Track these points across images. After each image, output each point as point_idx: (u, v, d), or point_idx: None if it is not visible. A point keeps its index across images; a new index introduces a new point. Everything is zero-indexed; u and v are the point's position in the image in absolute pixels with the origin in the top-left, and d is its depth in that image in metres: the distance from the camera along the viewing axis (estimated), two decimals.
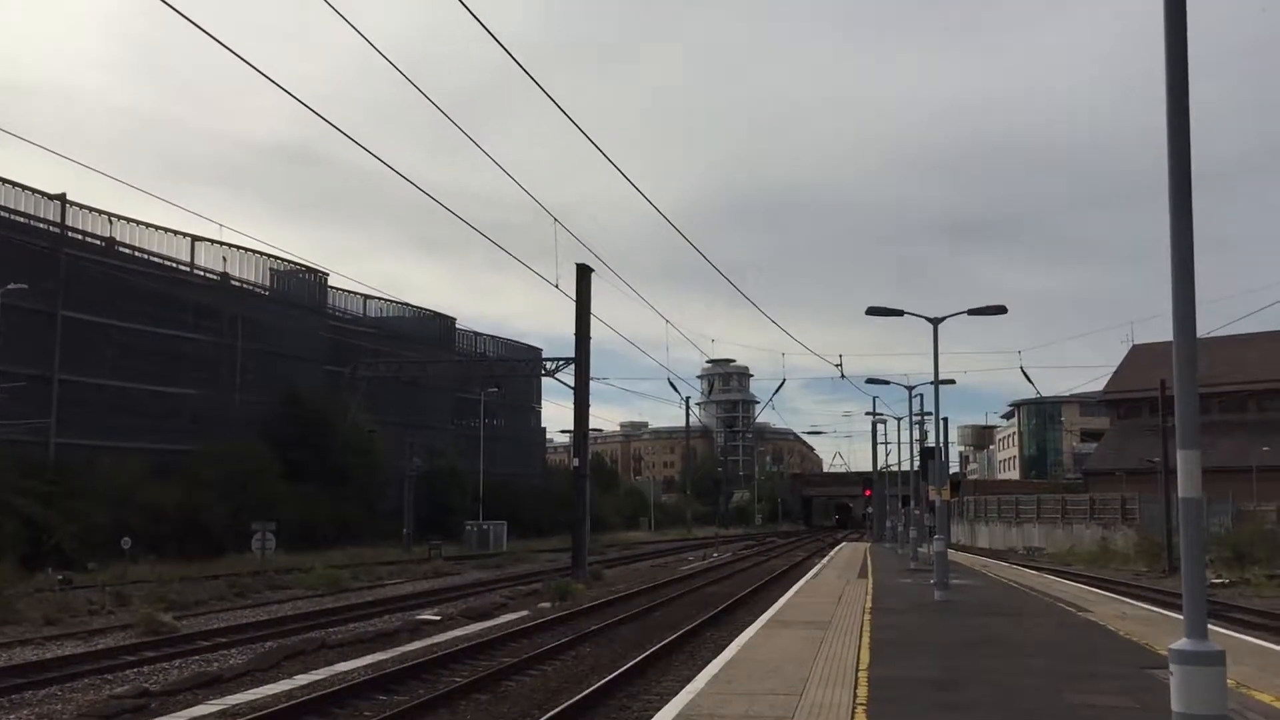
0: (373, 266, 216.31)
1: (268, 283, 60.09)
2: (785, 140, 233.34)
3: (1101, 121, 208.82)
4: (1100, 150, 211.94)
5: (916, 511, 43.05)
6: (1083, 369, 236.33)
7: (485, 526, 59.52)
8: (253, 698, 13.72)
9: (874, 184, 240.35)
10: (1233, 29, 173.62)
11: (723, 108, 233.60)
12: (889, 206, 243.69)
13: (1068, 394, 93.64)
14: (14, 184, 45.58)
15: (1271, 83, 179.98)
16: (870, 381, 45.25)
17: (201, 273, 55.14)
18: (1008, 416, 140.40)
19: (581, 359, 40.26)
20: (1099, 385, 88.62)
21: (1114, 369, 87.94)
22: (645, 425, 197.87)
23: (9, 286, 37.43)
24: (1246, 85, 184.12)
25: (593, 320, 39.39)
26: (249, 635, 20.35)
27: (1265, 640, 17.12)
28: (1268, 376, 69.38)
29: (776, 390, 79.66)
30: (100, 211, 49.55)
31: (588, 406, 40.30)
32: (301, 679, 15.24)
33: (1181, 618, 6.27)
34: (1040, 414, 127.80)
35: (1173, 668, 6.06)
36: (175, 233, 53.24)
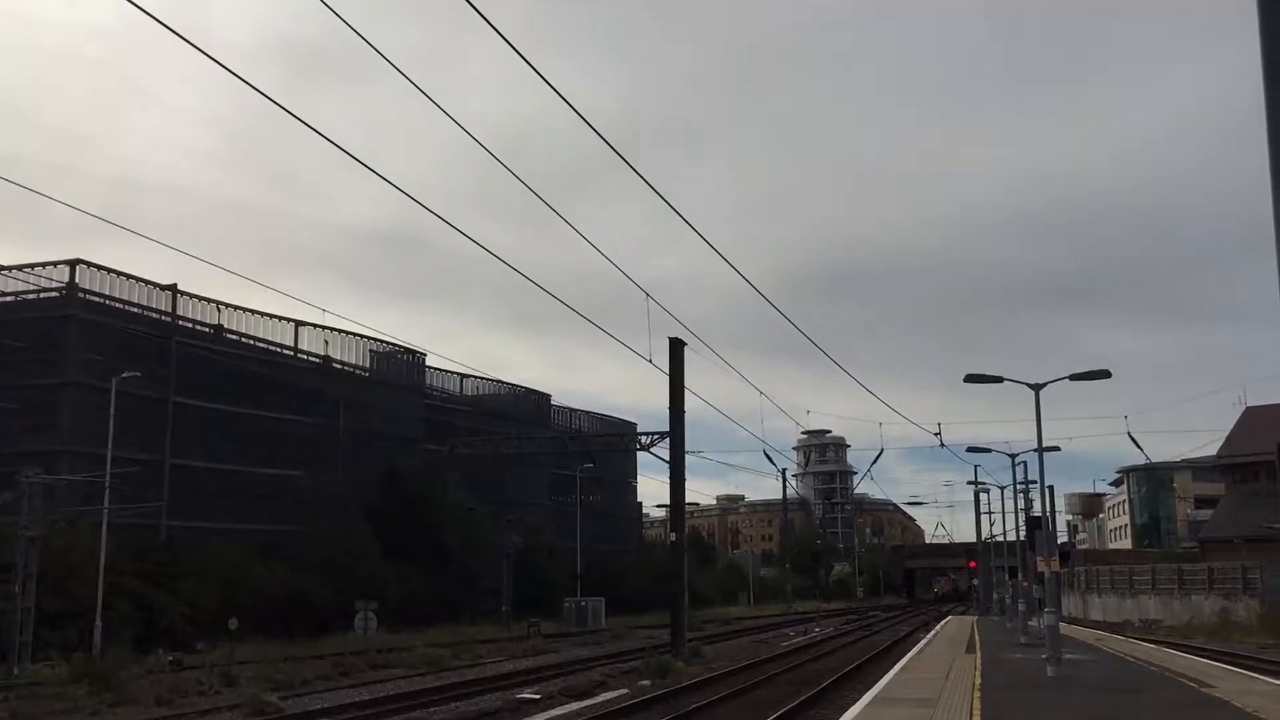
0: (469, 346, 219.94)
1: (368, 364, 61.43)
2: (876, 208, 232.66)
3: (1203, 181, 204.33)
4: (1201, 210, 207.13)
5: (1024, 583, 41.80)
6: (1193, 433, 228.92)
7: (583, 603, 59.26)
8: None
9: (968, 249, 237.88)
10: None
11: (812, 177, 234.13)
12: (986, 272, 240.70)
13: (1179, 459, 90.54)
14: (129, 276, 47.66)
15: None
16: (971, 450, 44.47)
17: (305, 356, 56.66)
18: (1116, 484, 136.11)
19: (676, 433, 40.22)
20: (1211, 449, 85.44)
21: (1227, 433, 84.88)
22: (742, 498, 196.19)
23: (124, 374, 38.84)
24: None
25: (686, 393, 39.42)
26: (352, 715, 20.49)
27: None
28: None
29: (874, 460, 78.45)
30: (209, 300, 51.47)
31: (683, 480, 40.15)
32: None
33: None
34: (1151, 480, 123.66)
35: None
36: (279, 318, 54.95)
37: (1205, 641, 42.03)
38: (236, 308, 52.76)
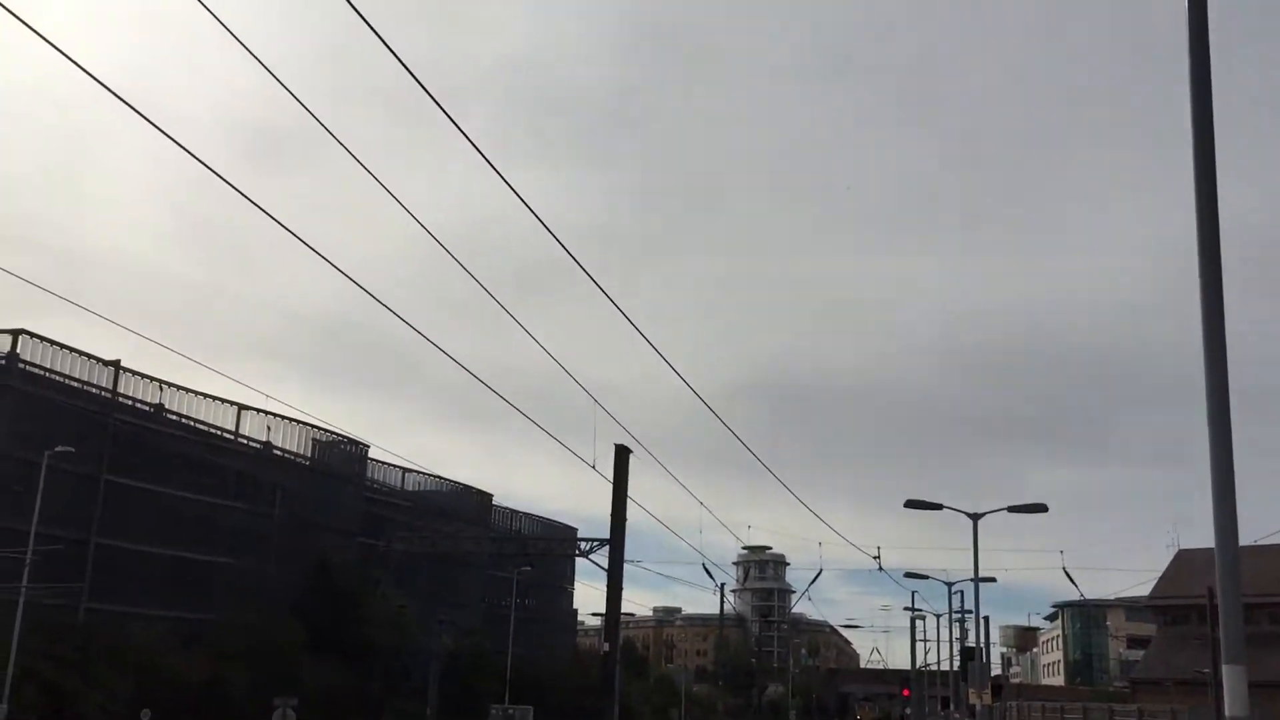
0: (412, 440, 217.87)
1: (309, 453, 60.67)
2: (826, 332, 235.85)
3: (1145, 325, 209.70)
4: (1142, 353, 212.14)
5: (956, 715, 41.59)
6: (1127, 572, 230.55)
7: (510, 711, 57.90)
8: None
9: (913, 379, 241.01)
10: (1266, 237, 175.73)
11: (765, 298, 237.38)
12: (928, 401, 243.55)
13: (1113, 597, 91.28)
14: (71, 349, 46.95)
15: None
16: (909, 576, 44.60)
17: (245, 441, 55.87)
18: (1051, 618, 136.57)
19: (617, 541, 40.00)
20: (1144, 589, 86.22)
21: (1160, 573, 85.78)
22: (678, 611, 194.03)
23: (56, 449, 38.06)
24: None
25: (629, 501, 39.30)
26: None
27: None
28: None
29: (813, 580, 78.28)
30: (151, 378, 50.76)
31: (620, 590, 39.82)
32: None
33: None
34: (1085, 617, 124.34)
35: None
36: (222, 400, 54.25)
37: None
38: (179, 388, 52.12)
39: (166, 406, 51.56)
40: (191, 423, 52.84)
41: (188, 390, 52.49)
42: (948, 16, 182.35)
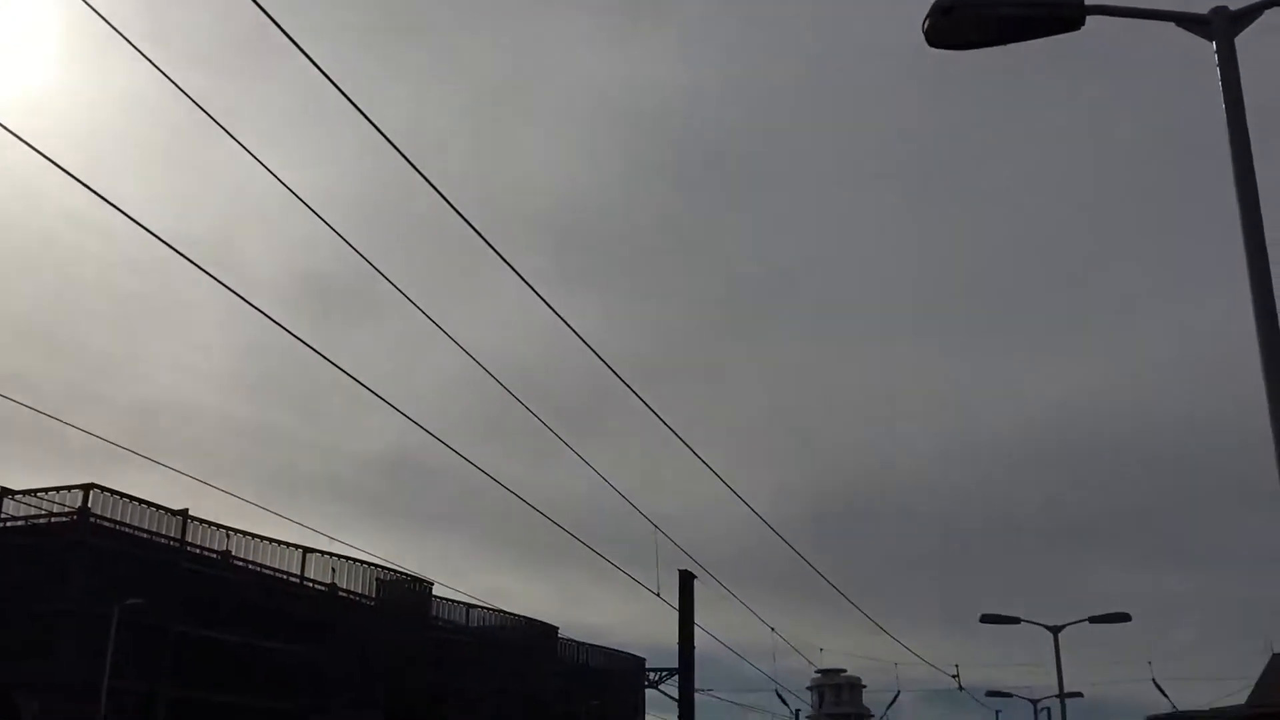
0: (476, 578, 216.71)
1: (373, 593, 60.58)
2: (887, 441, 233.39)
3: (1219, 421, 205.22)
4: (1219, 451, 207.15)
5: None
6: (1219, 681, 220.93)
7: None
8: None
9: (981, 485, 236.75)
10: None
11: (823, 410, 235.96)
12: (999, 508, 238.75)
13: (1207, 708, 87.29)
14: (141, 500, 47.73)
15: None
16: (991, 694, 43.19)
17: (311, 584, 56.00)
18: None
19: (686, 669, 39.25)
20: (1240, 698, 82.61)
21: (1254, 680, 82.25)
22: None
23: (128, 601, 38.43)
24: None
25: (696, 628, 38.67)
26: None
27: None
28: None
29: (891, 702, 75.75)
30: (218, 525, 51.33)
31: (693, 718, 38.88)
32: None
33: None
34: None
35: None
36: (287, 544, 54.58)
37: None
38: (245, 533, 52.60)
39: (233, 553, 52.00)
40: (259, 568, 53.16)
41: (253, 535, 52.99)
42: (1002, 116, 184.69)
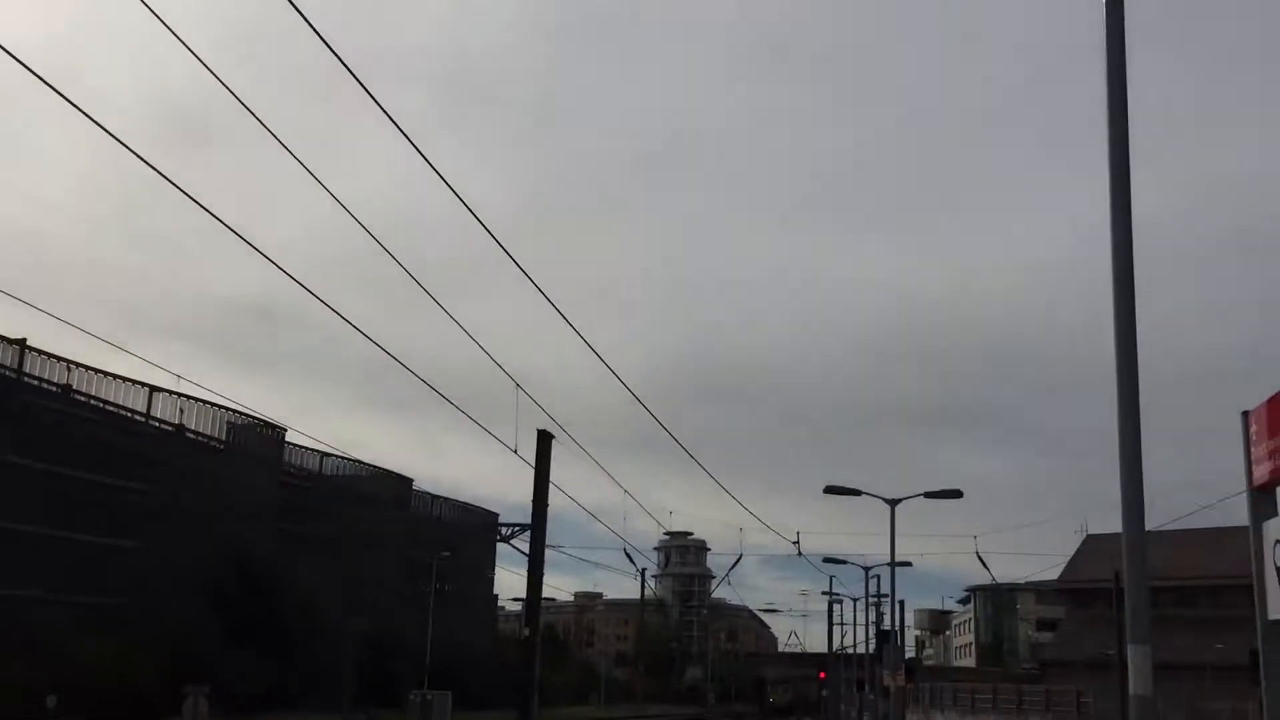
0: (331, 424, 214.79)
1: (224, 436, 59.53)
2: (746, 319, 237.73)
3: (1058, 313, 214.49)
4: (1058, 340, 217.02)
5: (871, 697, 42.27)
6: (1038, 556, 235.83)
7: (429, 696, 57.57)
8: None
9: (833, 366, 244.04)
10: (1182, 232, 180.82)
11: (688, 282, 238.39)
12: (848, 388, 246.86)
13: (1023, 581, 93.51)
14: None
15: (1219, 289, 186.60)
16: (827, 561, 45.18)
17: (157, 423, 54.61)
18: (964, 602, 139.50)
19: (538, 526, 39.81)
20: (1055, 573, 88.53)
21: (1069, 557, 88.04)
22: (600, 596, 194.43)
23: None
24: (1199, 289, 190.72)
25: (551, 487, 39.15)
26: None
27: None
28: (1221, 572, 69.55)
29: (733, 565, 78.99)
30: (59, 358, 49.37)
31: (541, 575, 39.64)
32: None
33: None
34: (996, 601, 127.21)
35: None
36: (133, 382, 52.98)
37: None
38: (88, 368, 50.78)
39: (75, 387, 50.21)
40: (101, 404, 51.52)
41: (97, 371, 51.22)
42: (872, 11, 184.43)
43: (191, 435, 56.60)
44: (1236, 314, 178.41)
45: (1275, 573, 5.60)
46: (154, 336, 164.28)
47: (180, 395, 54.76)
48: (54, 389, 49.11)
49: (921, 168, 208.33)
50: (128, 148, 14.17)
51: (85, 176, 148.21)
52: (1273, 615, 5.66)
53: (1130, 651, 6.44)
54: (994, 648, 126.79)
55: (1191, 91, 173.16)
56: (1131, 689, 6.43)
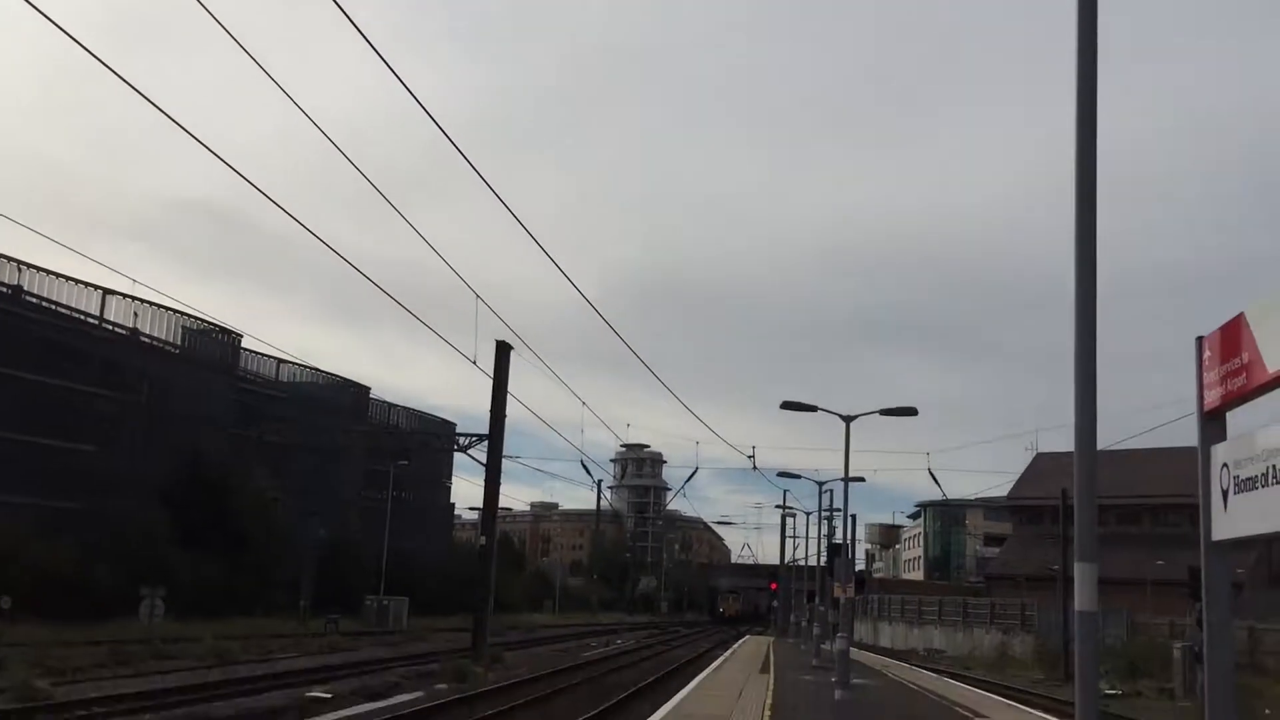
0: (288, 331, 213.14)
1: (179, 341, 58.89)
2: (708, 231, 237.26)
3: (1016, 234, 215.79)
4: (1014, 261, 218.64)
5: (821, 608, 43.13)
6: (989, 474, 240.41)
7: (385, 602, 58.16)
8: None
9: (792, 281, 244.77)
10: (1141, 157, 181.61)
11: (649, 195, 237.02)
12: (806, 304, 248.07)
13: (973, 497, 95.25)
14: None
15: (1176, 208, 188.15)
16: (782, 475, 45.65)
17: (111, 327, 53.87)
18: (914, 517, 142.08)
19: (495, 436, 39.95)
20: (1004, 491, 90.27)
21: (1019, 475, 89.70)
22: (556, 506, 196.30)
23: None
24: (1159, 208, 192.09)
25: (509, 398, 39.21)
26: (128, 706, 19.51)
27: None
28: (1165, 491, 71.25)
29: (689, 478, 79.68)
30: (8, 259, 48.40)
31: (498, 485, 39.91)
32: None
33: None
34: (946, 516, 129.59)
35: None
36: (86, 284, 52.12)
37: (983, 673, 44.23)
38: (39, 269, 49.84)
39: (25, 288, 49.30)
40: (53, 306, 50.68)
41: (49, 272, 50.28)
42: None
43: (146, 339, 55.92)
44: (1194, 237, 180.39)
45: (1220, 496, 5.70)
46: (107, 239, 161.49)
47: (134, 299, 54.03)
48: (4, 290, 48.23)
49: (886, 85, 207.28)
50: (85, 48, 13.74)
51: (36, 74, 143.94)
52: (1215, 536, 5.77)
53: (1077, 569, 6.56)
54: (942, 562, 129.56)
55: (1166, 13, 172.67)
56: (1077, 605, 6.56)
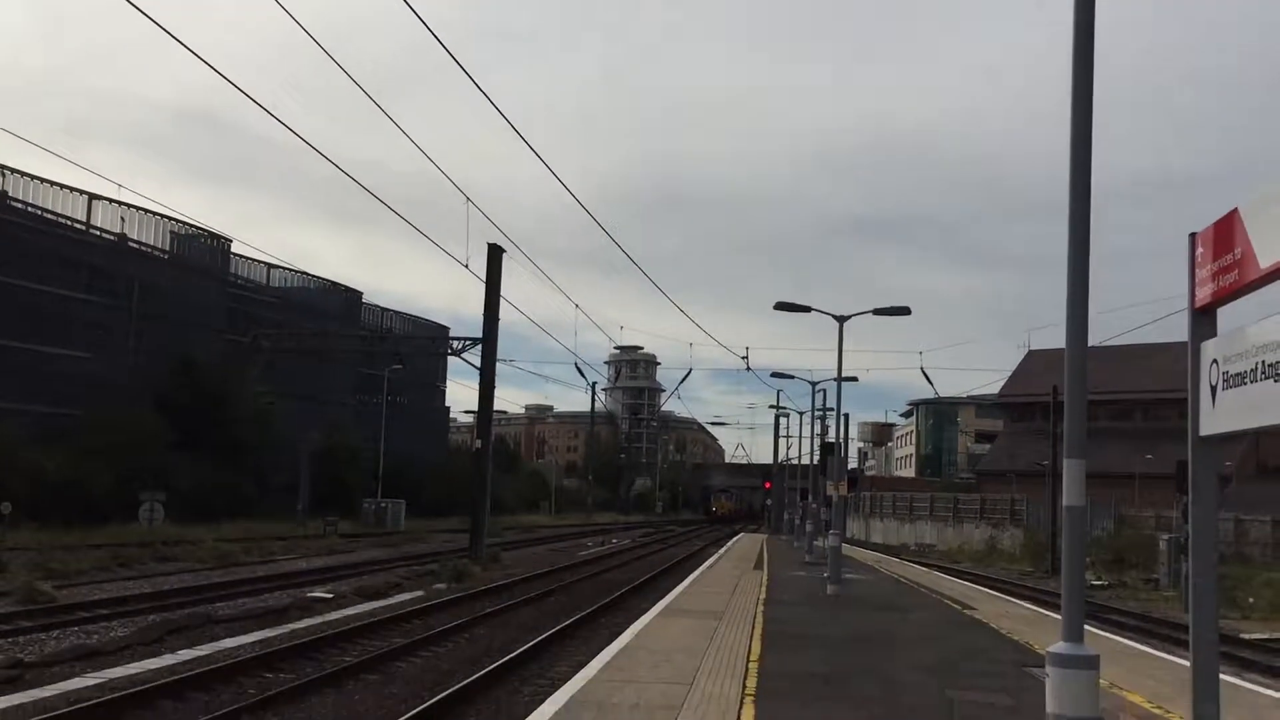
0: (279, 236, 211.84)
1: (168, 246, 58.45)
2: (702, 135, 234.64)
3: (1014, 134, 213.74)
4: (1011, 161, 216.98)
5: (814, 505, 43.62)
6: (980, 371, 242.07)
7: (383, 504, 58.79)
8: (132, 672, 13.38)
9: (787, 181, 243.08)
10: (1138, 62, 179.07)
11: (643, 98, 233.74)
12: (800, 203, 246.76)
13: (965, 395, 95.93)
14: None
15: (1167, 113, 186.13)
16: (775, 375, 45.74)
17: (98, 233, 53.40)
18: (907, 415, 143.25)
19: (489, 339, 39.96)
20: (996, 388, 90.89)
21: (1010, 373, 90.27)
22: (550, 409, 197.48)
23: None
24: (1150, 110, 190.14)
25: (503, 302, 39.14)
26: (131, 608, 19.83)
27: (1138, 642, 17.77)
28: (1155, 387, 71.78)
29: (683, 379, 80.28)
30: None
31: (493, 388, 40.04)
32: (185, 654, 14.90)
33: (1061, 618, 6.46)
34: (938, 414, 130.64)
35: (1049, 670, 6.24)
36: (72, 190, 51.53)
37: (973, 566, 45.07)
38: (24, 174, 49.20)
39: (11, 194, 48.74)
40: (39, 212, 50.15)
41: (35, 178, 49.66)
42: None
43: (134, 245, 55.47)
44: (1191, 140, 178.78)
45: (1209, 391, 5.72)
46: (94, 145, 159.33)
47: (121, 204, 53.47)
48: None
49: None
50: None
51: None
52: (1204, 431, 5.81)
53: (1066, 465, 6.61)
54: (934, 459, 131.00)
55: None
56: (1065, 500, 6.63)
